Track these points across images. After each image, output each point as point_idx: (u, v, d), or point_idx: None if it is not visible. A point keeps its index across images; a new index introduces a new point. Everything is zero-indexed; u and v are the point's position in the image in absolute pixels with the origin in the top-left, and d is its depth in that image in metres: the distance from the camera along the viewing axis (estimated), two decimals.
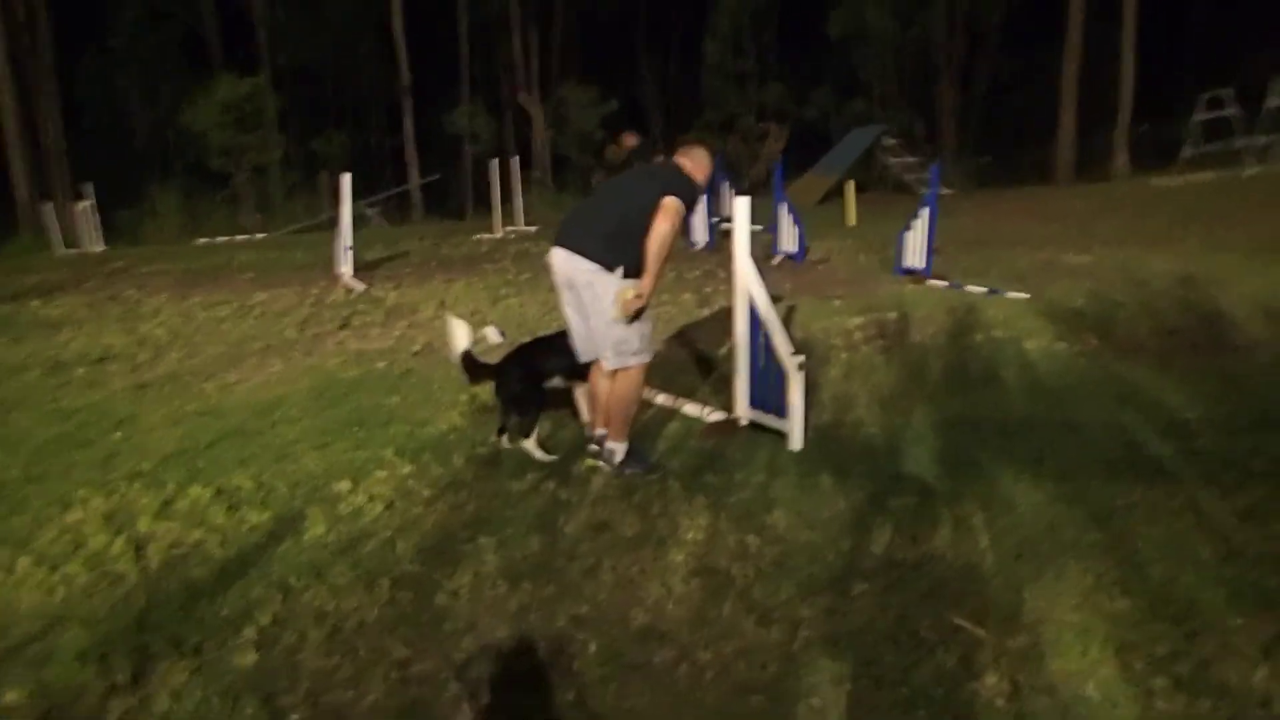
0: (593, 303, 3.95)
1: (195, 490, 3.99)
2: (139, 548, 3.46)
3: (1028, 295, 7.78)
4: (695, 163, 4.18)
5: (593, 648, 2.70)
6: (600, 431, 4.16)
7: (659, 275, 3.98)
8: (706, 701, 2.42)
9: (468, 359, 4.43)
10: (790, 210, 10.98)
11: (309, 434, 4.80)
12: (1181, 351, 5.79)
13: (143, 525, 3.66)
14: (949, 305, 7.55)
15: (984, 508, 3.52)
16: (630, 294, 3.85)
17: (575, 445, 4.48)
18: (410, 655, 2.70)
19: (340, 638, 2.81)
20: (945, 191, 20.98)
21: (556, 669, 2.61)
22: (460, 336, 4.44)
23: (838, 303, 8.00)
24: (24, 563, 3.34)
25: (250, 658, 2.70)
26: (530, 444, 4.30)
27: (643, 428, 4.76)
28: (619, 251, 3.93)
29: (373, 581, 3.14)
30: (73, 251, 17.06)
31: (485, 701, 2.47)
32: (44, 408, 5.49)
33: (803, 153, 25.63)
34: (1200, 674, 2.39)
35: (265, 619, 2.91)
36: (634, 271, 3.94)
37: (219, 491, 3.99)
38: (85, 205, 17.93)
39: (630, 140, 14.27)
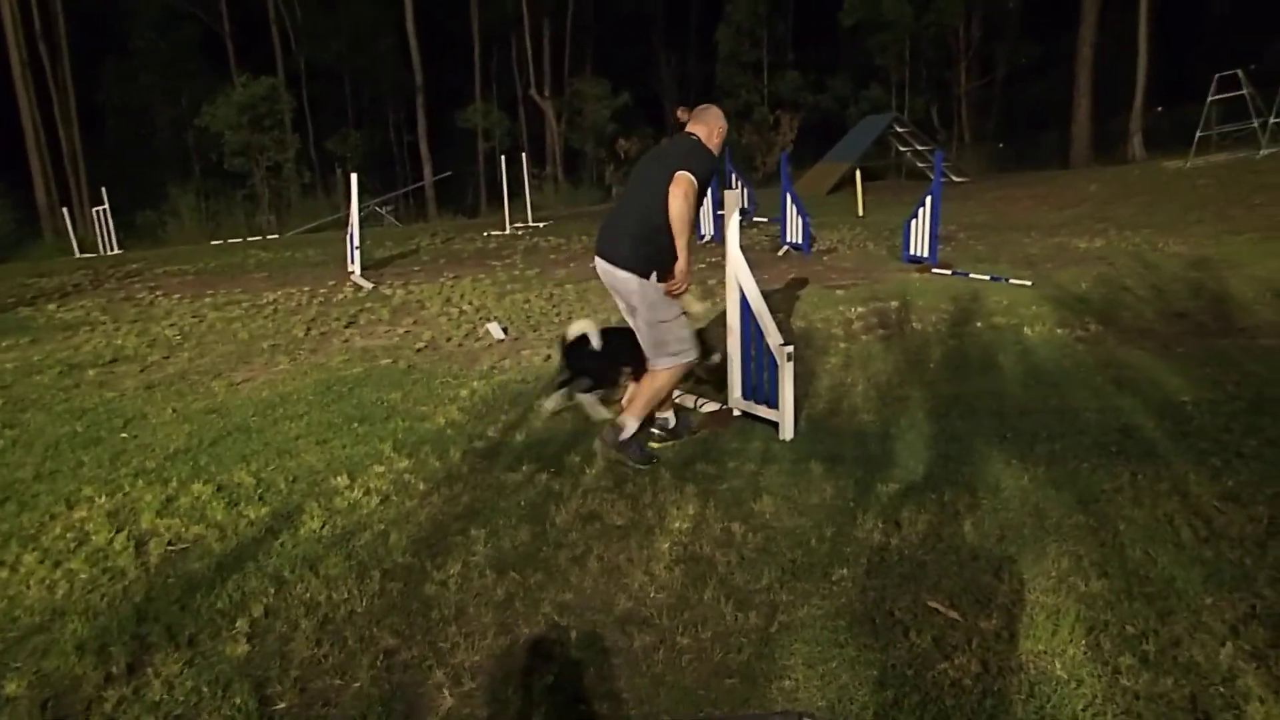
0: (637, 308, 4.14)
1: (197, 487, 4.08)
2: (140, 544, 3.55)
3: (1032, 282, 7.76)
4: (709, 126, 4.22)
5: (574, 634, 2.75)
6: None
7: (690, 250, 4.06)
8: (683, 684, 2.47)
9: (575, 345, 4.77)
10: (795, 200, 10.97)
11: (311, 430, 4.88)
12: (1187, 335, 5.77)
13: (145, 522, 3.74)
14: (953, 293, 7.54)
15: (970, 493, 3.54)
16: (673, 287, 4.09)
17: (570, 436, 4.53)
18: (397, 644, 2.76)
19: (330, 628, 2.87)
20: (960, 179, 20.91)
21: (538, 655, 2.66)
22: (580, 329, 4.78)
23: (841, 292, 8.01)
24: (29, 559, 3.44)
25: (242, 648, 2.77)
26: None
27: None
28: (647, 255, 4.04)
29: (364, 573, 3.21)
30: (90, 255, 17.31)
31: (467, 688, 2.53)
32: (56, 408, 5.62)
33: (818, 141, 25.59)
34: (1167, 652, 2.41)
35: (258, 610, 2.98)
36: (666, 269, 4.06)
37: (220, 488, 4.08)
38: (101, 209, 18.19)
39: (685, 115, 14.32)
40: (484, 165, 30.95)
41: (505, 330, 7.31)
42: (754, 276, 4.47)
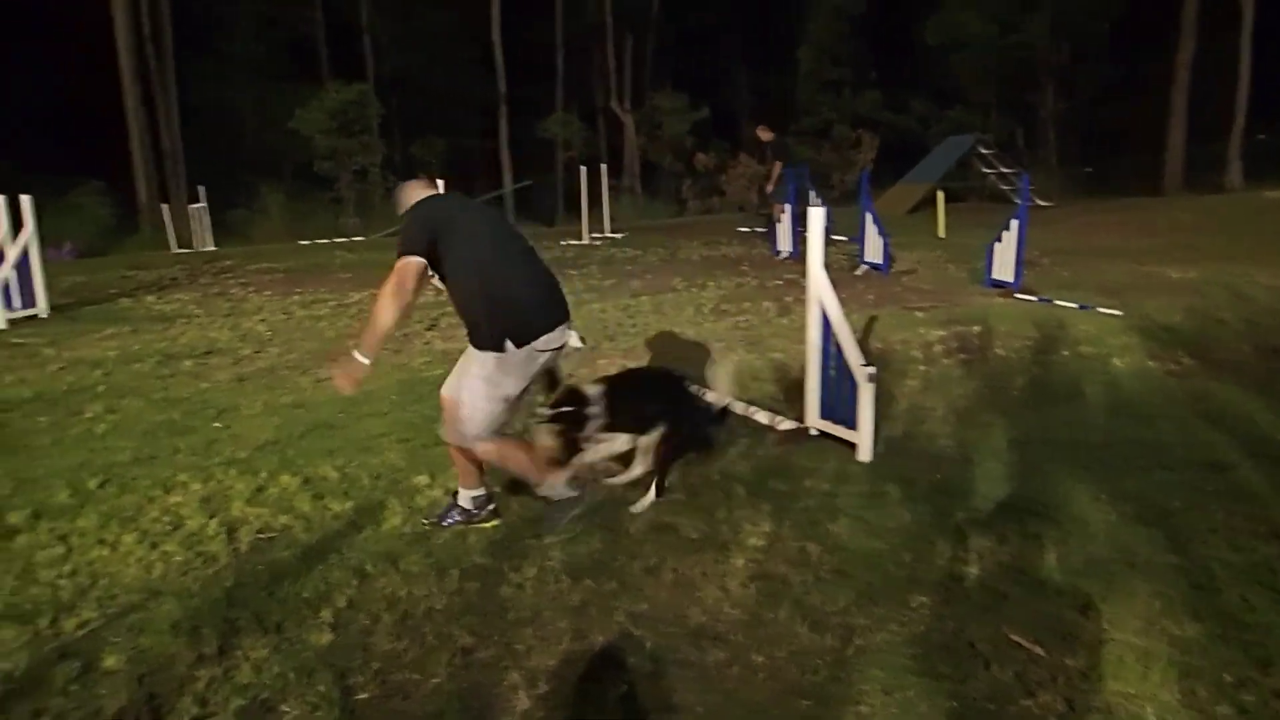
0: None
1: (285, 478, 4.21)
2: (231, 530, 3.68)
3: (1120, 311, 7.53)
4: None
5: (648, 645, 2.77)
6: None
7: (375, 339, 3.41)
8: (755, 701, 2.46)
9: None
10: (875, 220, 10.86)
11: (393, 428, 5.01)
12: None
13: (235, 510, 3.89)
14: (1036, 320, 7.37)
15: (1054, 525, 3.46)
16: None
17: None
18: (474, 643, 2.82)
19: (410, 623, 2.94)
20: (1044, 203, 20.40)
21: (612, 663, 2.68)
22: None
23: (920, 314, 7.89)
24: (128, 539, 3.60)
25: (326, 637, 2.86)
26: None
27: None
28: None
29: (443, 571, 3.28)
30: (186, 250, 18.02)
31: (542, 691, 2.56)
32: (154, 396, 5.86)
33: (898, 161, 25.24)
34: (1269, 705, 2.32)
35: (341, 602, 3.07)
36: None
37: (306, 480, 4.21)
38: (198, 206, 18.93)
39: (766, 134, 14.30)
40: (562, 175, 31.32)
41: (582, 339, 7.38)
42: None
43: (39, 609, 3.07)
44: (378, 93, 26.72)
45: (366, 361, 3.34)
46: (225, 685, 2.62)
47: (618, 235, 17.02)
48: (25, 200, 9.22)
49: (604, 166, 17.77)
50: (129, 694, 2.57)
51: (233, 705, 2.51)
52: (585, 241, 16.26)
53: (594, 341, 7.38)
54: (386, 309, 3.31)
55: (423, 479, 4.18)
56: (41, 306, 9.39)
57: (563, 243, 16.09)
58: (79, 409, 5.56)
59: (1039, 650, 2.61)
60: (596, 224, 17.36)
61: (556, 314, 3.57)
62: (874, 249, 10.83)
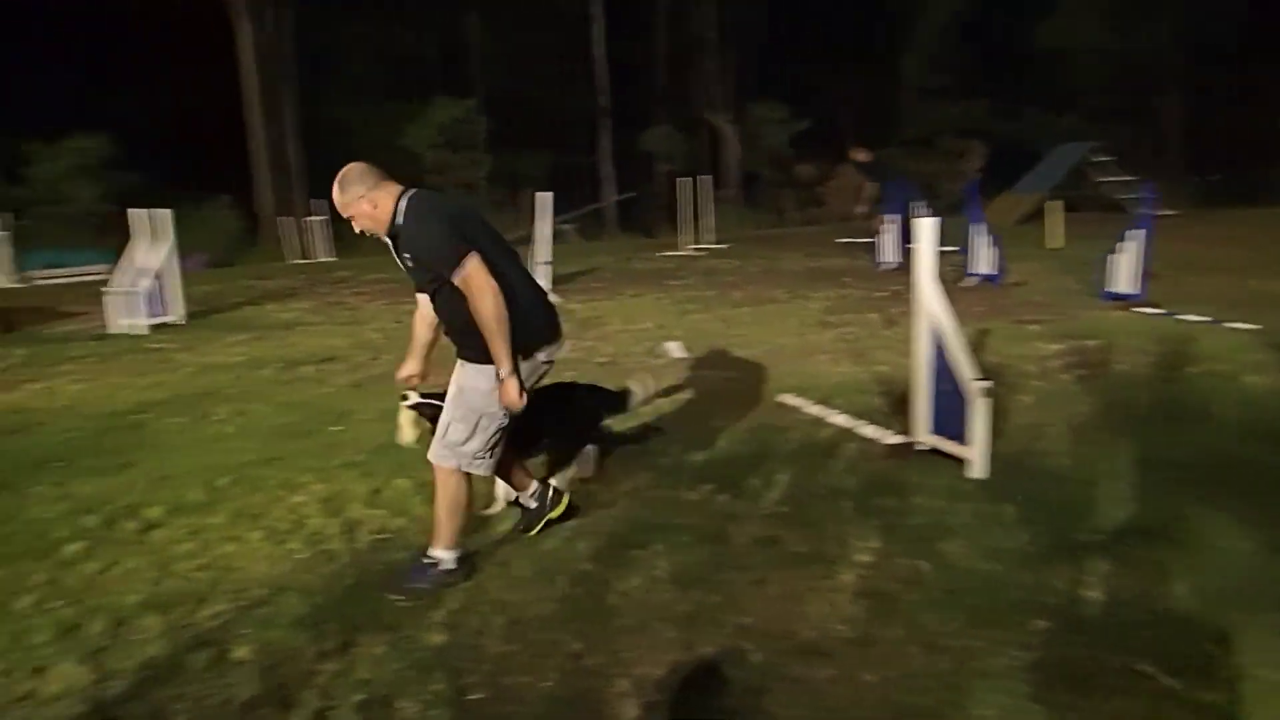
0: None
1: (400, 482, 4.36)
2: (350, 530, 3.83)
3: (1258, 326, 7.11)
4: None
5: (756, 659, 2.75)
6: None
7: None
8: None
9: None
10: (988, 230, 10.56)
11: None
12: None
13: (354, 511, 4.04)
14: (1160, 334, 7.03)
15: (1185, 552, 3.29)
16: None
17: (749, 459, 4.54)
18: (583, 649, 2.85)
19: (519, 627, 3.00)
20: (1168, 212, 19.43)
21: (720, 676, 2.68)
22: None
23: (1034, 328, 7.63)
24: (255, 536, 3.79)
25: (440, 637, 2.94)
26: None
27: (817, 447, 4.76)
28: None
29: (551, 577, 3.33)
30: (305, 261, 18.85)
31: (650, 699, 2.57)
32: (277, 400, 6.15)
33: (1007, 171, 24.47)
34: None
35: (454, 604, 3.15)
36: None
37: (420, 484, 4.34)
38: (318, 219, 19.78)
39: (861, 155, 14.17)
40: (662, 187, 31.51)
41: (686, 350, 7.40)
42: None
43: (177, 599, 3.26)
44: (484, 109, 27.43)
45: (511, 375, 3.12)
46: (346, 680, 2.71)
47: (718, 246, 17.00)
48: (166, 214, 9.83)
49: (706, 178, 17.81)
50: (258, 683, 2.70)
51: (353, 699, 2.60)
52: (685, 252, 16.31)
53: (696, 351, 7.39)
54: (499, 311, 3.06)
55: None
56: (178, 314, 9.98)
57: (661, 254, 16.19)
58: (210, 411, 5.88)
59: (1171, 683, 2.48)
60: (698, 235, 17.40)
61: (555, 323, 3.44)
62: (984, 260, 10.54)
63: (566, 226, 23.95)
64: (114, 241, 19.35)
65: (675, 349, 7.40)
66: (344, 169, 3.25)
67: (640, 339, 7.94)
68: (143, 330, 9.32)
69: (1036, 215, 18.89)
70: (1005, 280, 10.43)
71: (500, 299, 3.07)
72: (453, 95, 26.96)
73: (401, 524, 3.90)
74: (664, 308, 9.50)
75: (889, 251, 12.60)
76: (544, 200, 11.31)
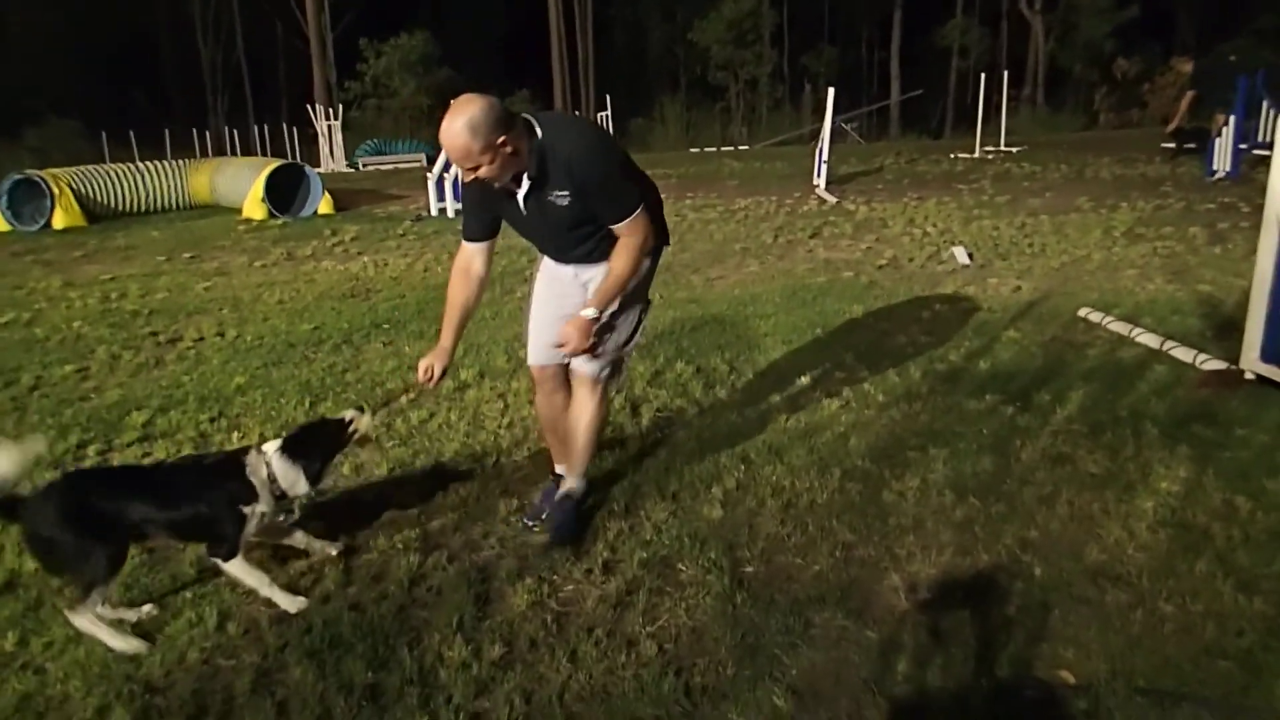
0: None
1: (680, 366, 4.56)
2: (635, 407, 4.08)
3: None
4: None
5: (1038, 571, 2.65)
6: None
7: None
8: (1164, 653, 2.27)
9: None
10: None
11: (777, 330, 5.17)
12: None
13: (638, 389, 4.29)
14: None
15: None
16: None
17: (1039, 372, 4.27)
18: (855, 540, 2.89)
19: (793, 512, 3.08)
20: None
21: (999, 585, 2.62)
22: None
23: None
24: None
25: (716, 512, 3.09)
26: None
27: (1120, 367, 4.39)
28: None
29: (825, 469, 3.37)
30: None
31: (923, 597, 2.57)
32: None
33: None
34: None
35: (730, 483, 3.29)
36: None
37: (699, 369, 4.52)
38: (604, 115, 20.51)
39: (1186, 65, 12.57)
40: (955, 85, 29.33)
41: (971, 256, 7.00)
42: None
43: (486, 451, 3.66)
44: (773, 3, 26.75)
45: (595, 315, 2.73)
46: (631, 538, 2.94)
47: (1014, 149, 15.70)
48: None
49: (1004, 75, 16.35)
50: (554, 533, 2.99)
51: (637, 556, 2.82)
52: (977, 155, 15.21)
53: (984, 259, 6.96)
54: (638, 272, 2.79)
55: (804, 380, 4.30)
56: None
57: (952, 155, 15.20)
58: (511, 288, 6.42)
59: None
60: (991, 137, 16.14)
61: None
62: None
63: (848, 126, 23.08)
64: (429, 134, 21.29)
65: (961, 254, 7.01)
66: (460, 110, 2.43)
67: (923, 244, 7.59)
68: (452, 214, 10.23)
69: None
70: None
71: (640, 258, 2.74)
72: None
73: (681, 404, 4.09)
74: (949, 213, 8.98)
75: (1224, 159, 11.03)
76: (829, 97, 10.96)
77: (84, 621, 2.40)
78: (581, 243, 2.79)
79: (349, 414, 2.85)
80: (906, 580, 2.65)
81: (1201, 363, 4.35)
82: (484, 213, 2.81)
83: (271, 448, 2.67)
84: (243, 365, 4.93)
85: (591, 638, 2.38)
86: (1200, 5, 32.10)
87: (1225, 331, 4.59)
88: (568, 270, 2.92)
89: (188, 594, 2.67)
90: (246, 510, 2.57)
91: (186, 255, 8.46)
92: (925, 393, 4.13)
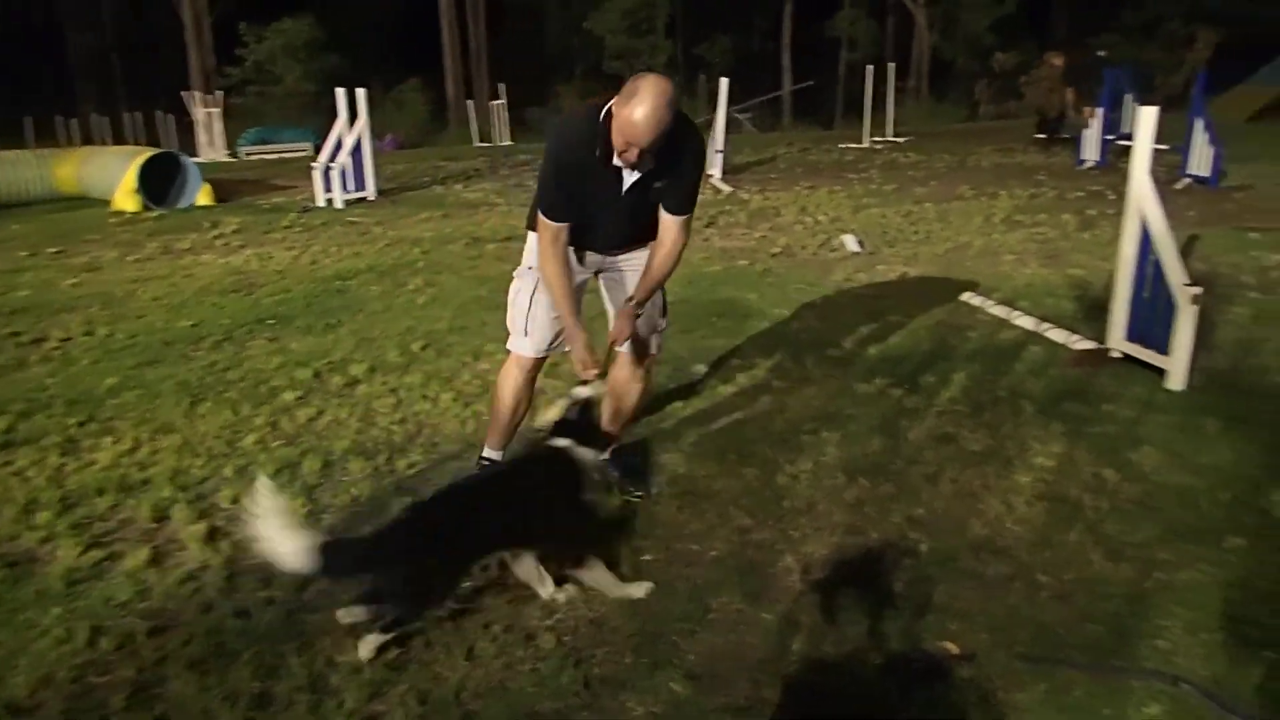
0: None
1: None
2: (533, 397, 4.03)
3: None
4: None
5: (925, 548, 2.75)
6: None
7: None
8: (1040, 621, 2.38)
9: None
10: (1208, 128, 9.53)
11: (676, 319, 5.16)
12: None
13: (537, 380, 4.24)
14: None
15: None
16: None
17: (925, 355, 4.42)
18: (751, 524, 2.93)
19: (690, 498, 3.11)
20: None
21: (887, 561, 2.70)
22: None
23: (1256, 236, 6.93)
24: (446, 397, 4.06)
25: (615, 500, 3.09)
26: None
27: (999, 348, 4.58)
28: None
29: (722, 454, 3.41)
30: (486, 144, 19.38)
31: (816, 577, 2.63)
32: (465, 273, 6.47)
33: (1243, 62, 21.78)
34: None
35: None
36: None
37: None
38: (498, 103, 20.23)
39: (1057, 60, 13.13)
40: (845, 76, 30.06)
41: (861, 244, 7.20)
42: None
43: (378, 448, 3.56)
44: None
45: (639, 306, 2.93)
46: None
47: (900, 139, 16.20)
48: (360, 94, 10.29)
49: (890, 66, 16.84)
50: None
51: None
52: (866, 145, 15.64)
53: (873, 246, 7.17)
54: (679, 263, 2.91)
55: (701, 367, 4.34)
56: (370, 190, 10.55)
57: (841, 145, 15.59)
58: (404, 281, 6.27)
59: None
60: (878, 127, 16.61)
61: None
62: (1200, 160, 9.57)
63: (741, 116, 23.39)
64: (315, 121, 20.60)
65: (851, 242, 7.20)
66: (658, 90, 2.39)
67: (815, 232, 7.77)
68: (341, 205, 9.93)
69: (1271, 112, 16.89)
70: (1224, 183, 9.45)
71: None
72: None
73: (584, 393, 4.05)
74: (840, 201, 9.21)
75: (1092, 149, 11.65)
76: (723, 87, 11.07)
77: None
78: (637, 231, 2.85)
79: (584, 391, 2.81)
80: (801, 561, 2.70)
81: (1073, 343, 4.58)
82: (575, 192, 2.73)
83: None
84: (115, 365, 4.67)
85: (489, 633, 2.35)
86: (1070, 5, 33.73)
87: (1095, 312, 4.84)
88: (592, 259, 3.01)
89: (55, 610, 2.51)
90: None
91: (52, 250, 7.96)
92: (819, 377, 4.23)
